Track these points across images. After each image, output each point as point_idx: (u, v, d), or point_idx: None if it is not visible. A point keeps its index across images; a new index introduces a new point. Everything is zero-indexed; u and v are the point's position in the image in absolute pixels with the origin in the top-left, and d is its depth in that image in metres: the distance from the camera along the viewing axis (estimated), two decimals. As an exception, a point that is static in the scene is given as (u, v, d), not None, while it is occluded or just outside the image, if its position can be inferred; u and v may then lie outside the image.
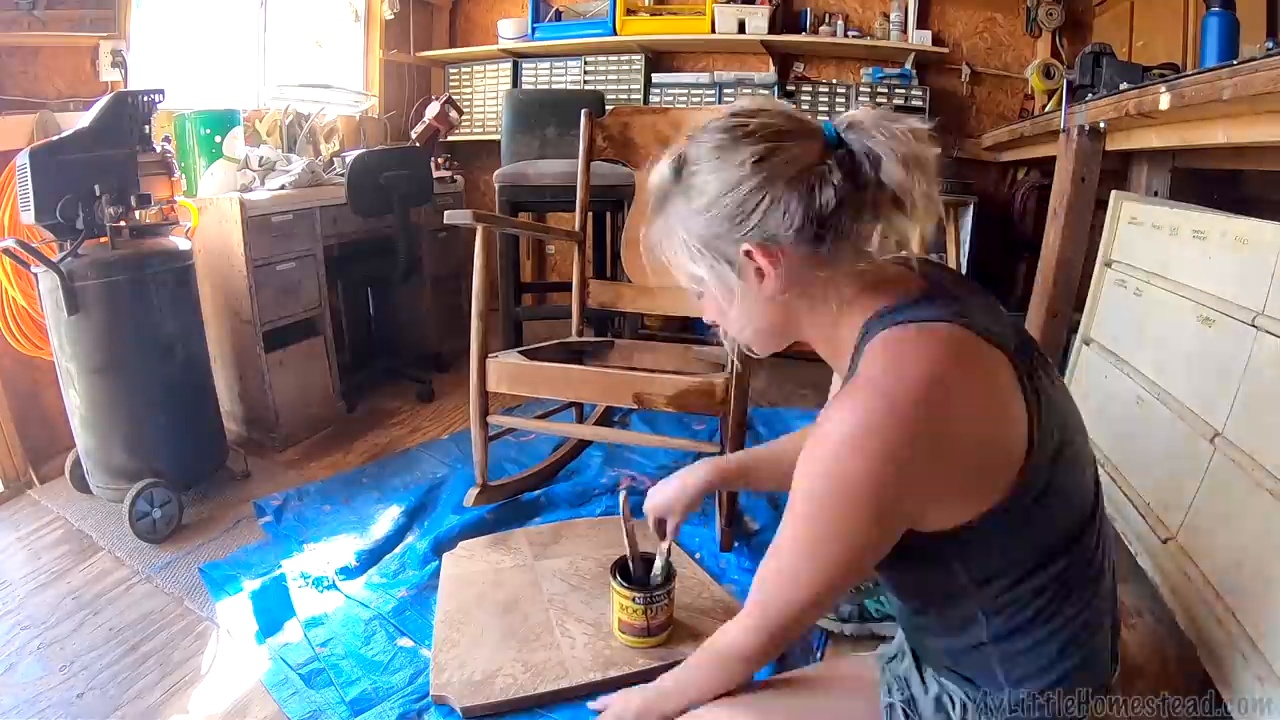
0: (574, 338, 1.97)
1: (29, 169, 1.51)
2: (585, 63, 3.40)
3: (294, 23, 2.78)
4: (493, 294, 1.66)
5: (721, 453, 1.54)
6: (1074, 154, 1.88)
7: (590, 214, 2.06)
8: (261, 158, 2.29)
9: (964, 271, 2.71)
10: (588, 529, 1.65)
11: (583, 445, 2.06)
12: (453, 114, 2.94)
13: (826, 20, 3.18)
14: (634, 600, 1.19)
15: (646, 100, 3.32)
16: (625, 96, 3.34)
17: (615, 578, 1.22)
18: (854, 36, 3.14)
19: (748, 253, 0.69)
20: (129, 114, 1.66)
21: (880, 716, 0.81)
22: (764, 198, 0.67)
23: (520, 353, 1.70)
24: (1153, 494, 1.36)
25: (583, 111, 1.95)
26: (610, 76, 3.38)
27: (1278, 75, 0.96)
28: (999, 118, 3.09)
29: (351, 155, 2.34)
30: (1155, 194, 1.83)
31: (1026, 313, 2.16)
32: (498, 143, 2.99)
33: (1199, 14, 1.84)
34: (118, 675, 1.22)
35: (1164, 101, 1.24)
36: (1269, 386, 1.05)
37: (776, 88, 3.13)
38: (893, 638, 0.93)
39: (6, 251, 1.59)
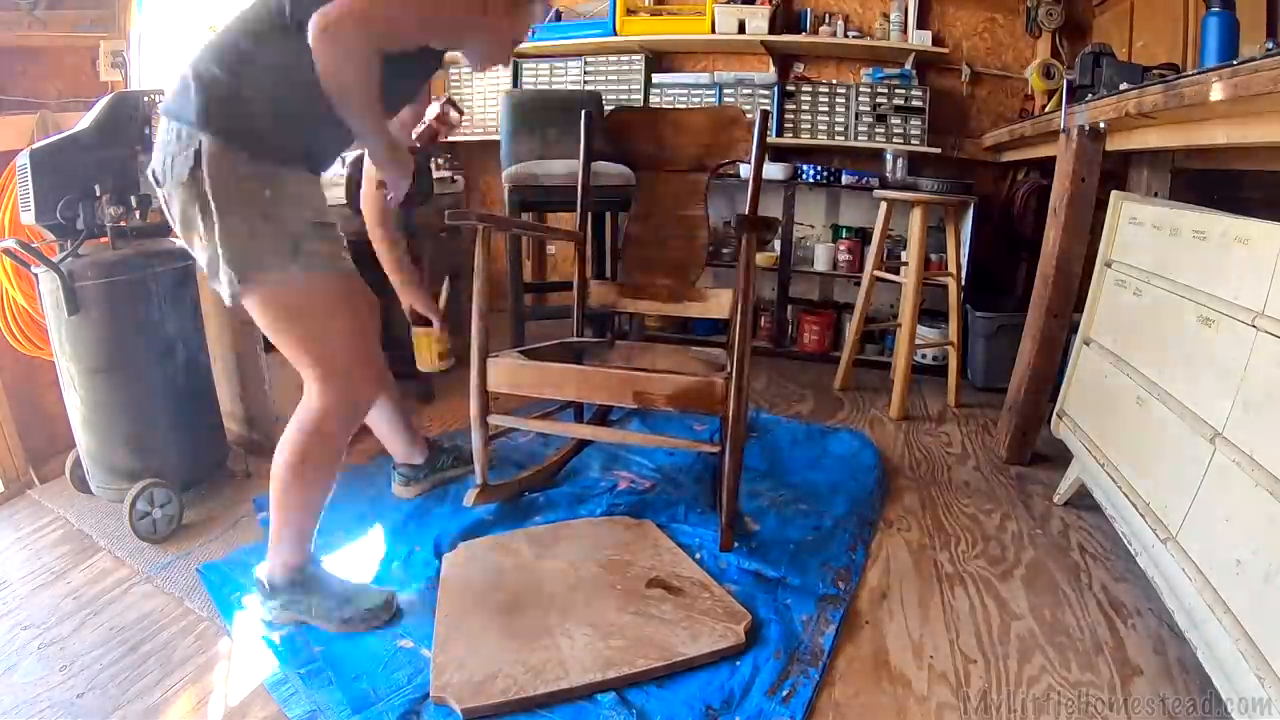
0: (574, 338, 1.98)
1: (29, 169, 1.51)
2: (586, 63, 3.40)
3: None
4: (496, 293, 1.66)
5: (721, 452, 1.54)
6: (1074, 154, 1.88)
7: (590, 214, 2.06)
8: (261, 158, 2.28)
9: (964, 271, 2.71)
10: (588, 529, 1.65)
11: (582, 445, 2.06)
12: (453, 114, 2.91)
13: (826, 20, 3.18)
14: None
15: (647, 101, 3.32)
16: (625, 97, 3.35)
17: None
18: (854, 37, 3.14)
19: None
20: (129, 114, 1.66)
21: None
22: None
23: (520, 352, 1.70)
24: (1153, 494, 1.36)
25: (583, 112, 1.96)
26: (610, 77, 3.38)
27: (1278, 75, 0.96)
28: (999, 118, 3.09)
29: (351, 155, 2.33)
30: (1155, 194, 1.83)
31: (1026, 313, 2.16)
32: (498, 143, 2.99)
33: (1199, 14, 1.85)
34: (118, 675, 1.22)
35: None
36: (1269, 386, 1.05)
37: (776, 88, 3.13)
38: None
39: (7, 252, 1.59)
